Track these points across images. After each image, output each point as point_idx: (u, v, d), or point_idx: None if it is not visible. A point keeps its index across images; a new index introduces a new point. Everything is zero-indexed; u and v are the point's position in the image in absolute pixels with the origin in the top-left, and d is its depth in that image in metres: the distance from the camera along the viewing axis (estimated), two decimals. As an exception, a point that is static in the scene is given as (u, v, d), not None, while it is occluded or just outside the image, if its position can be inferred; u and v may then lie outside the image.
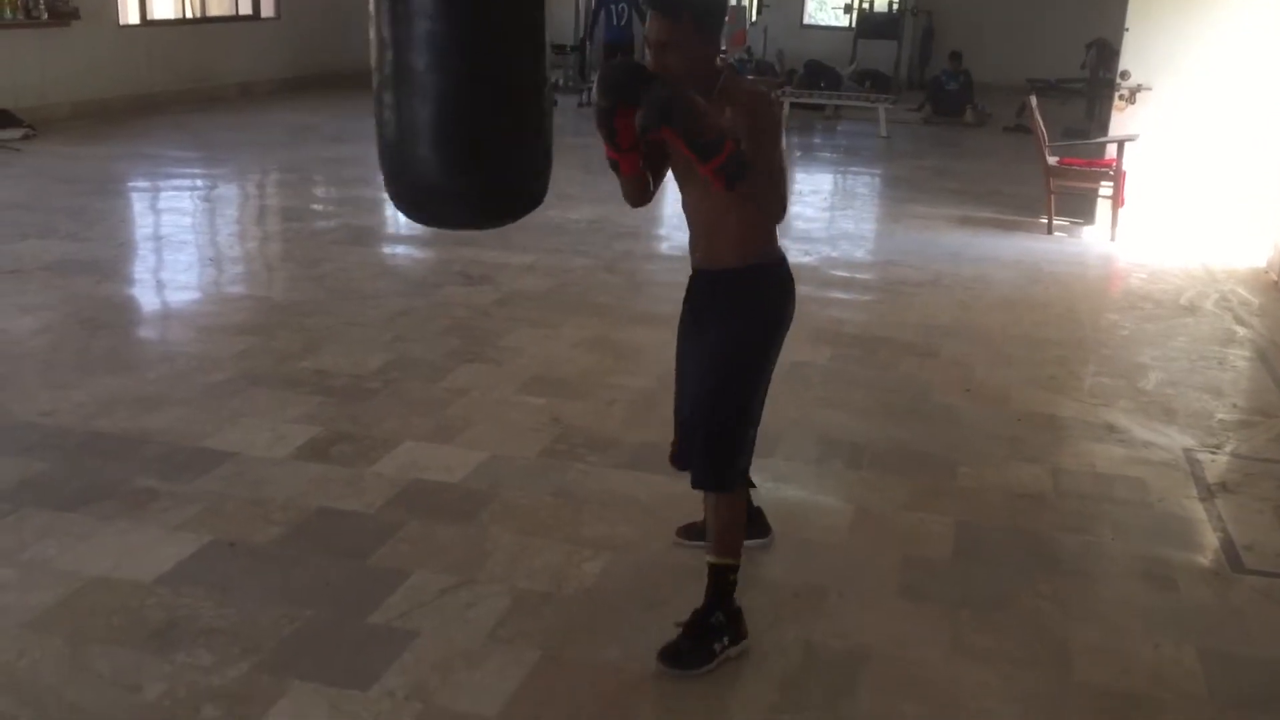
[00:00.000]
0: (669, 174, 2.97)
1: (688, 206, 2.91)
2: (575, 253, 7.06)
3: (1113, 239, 7.95)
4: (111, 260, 6.71)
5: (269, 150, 10.84)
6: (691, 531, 3.43)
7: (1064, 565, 3.48)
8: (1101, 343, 5.78)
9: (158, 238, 7.54)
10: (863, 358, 5.32)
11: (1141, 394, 4.98)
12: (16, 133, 10.16)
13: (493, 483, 3.83)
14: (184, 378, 4.71)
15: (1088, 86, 14.37)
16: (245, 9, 14.45)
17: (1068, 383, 5.10)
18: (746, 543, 3.11)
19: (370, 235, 7.73)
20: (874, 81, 14.89)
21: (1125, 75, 8.03)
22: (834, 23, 19.89)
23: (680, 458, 3.10)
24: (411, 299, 6.01)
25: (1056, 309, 6.31)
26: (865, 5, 18.76)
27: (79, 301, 5.70)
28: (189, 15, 13.92)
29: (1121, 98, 8.06)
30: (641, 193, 2.93)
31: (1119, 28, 8.16)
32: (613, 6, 14.02)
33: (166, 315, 5.96)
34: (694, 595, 3.02)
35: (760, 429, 2.99)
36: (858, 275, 7.04)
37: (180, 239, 7.36)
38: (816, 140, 13.39)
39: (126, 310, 5.94)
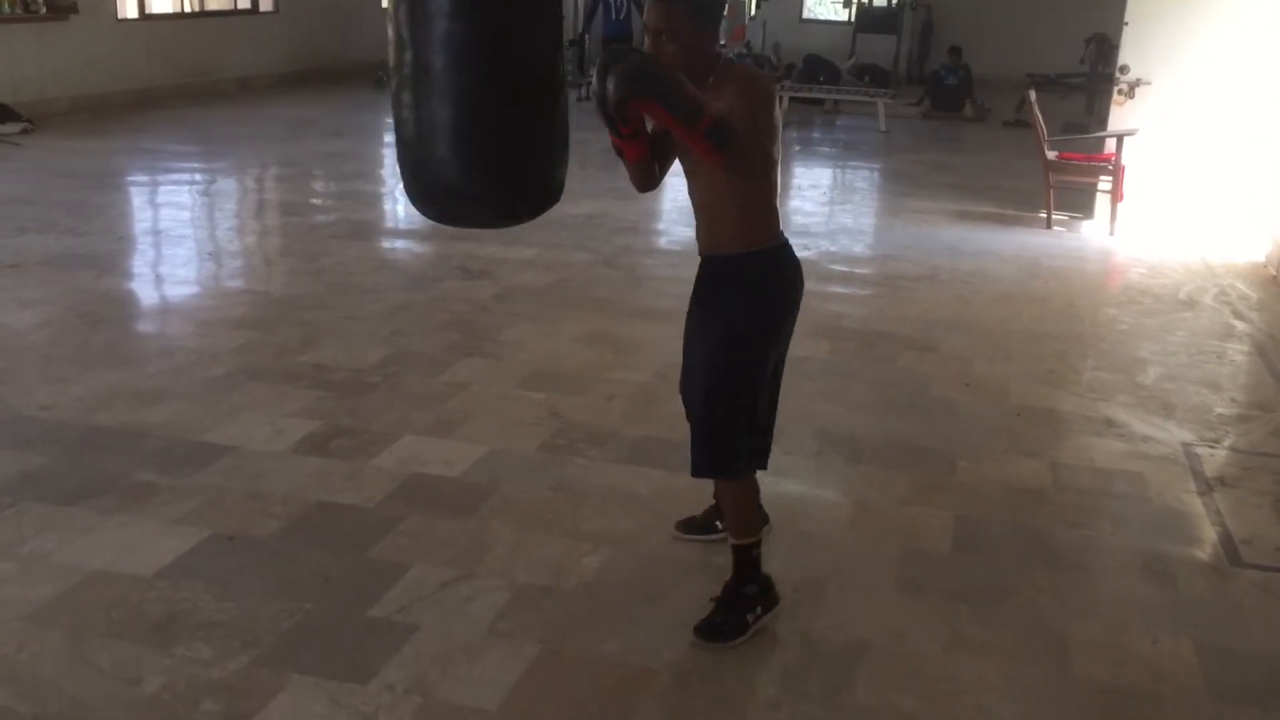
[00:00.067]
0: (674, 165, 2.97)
1: (693, 194, 2.93)
2: (575, 247, 7.05)
3: (1112, 234, 7.95)
4: (111, 255, 6.71)
5: (268, 144, 10.82)
6: (691, 525, 3.44)
7: (1062, 559, 3.49)
8: (1100, 337, 5.78)
9: (157, 232, 7.55)
10: (861, 352, 5.32)
11: (1140, 389, 4.98)
12: (15, 127, 10.17)
13: (492, 477, 3.83)
14: (183, 372, 4.72)
15: (1087, 81, 14.37)
16: (244, 3, 14.42)
17: (1067, 377, 5.10)
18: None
19: (369, 229, 7.73)
20: (873, 76, 14.90)
21: (1124, 70, 8.01)
22: (833, 17, 19.84)
23: None
24: (411, 293, 6.01)
25: (1055, 303, 6.31)
26: (864, -1, 18.77)
27: (78, 296, 5.70)
28: (187, 9, 13.92)
29: (1121, 92, 8.05)
30: (647, 178, 2.94)
31: (1118, 22, 8.14)
32: (611, 0, 13.99)
33: (166, 309, 5.95)
34: (694, 589, 3.03)
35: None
36: (857, 270, 7.04)
37: (179, 233, 7.37)
38: (815, 135, 13.37)
39: (126, 304, 5.94)
